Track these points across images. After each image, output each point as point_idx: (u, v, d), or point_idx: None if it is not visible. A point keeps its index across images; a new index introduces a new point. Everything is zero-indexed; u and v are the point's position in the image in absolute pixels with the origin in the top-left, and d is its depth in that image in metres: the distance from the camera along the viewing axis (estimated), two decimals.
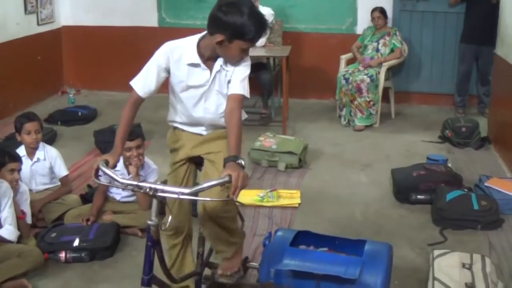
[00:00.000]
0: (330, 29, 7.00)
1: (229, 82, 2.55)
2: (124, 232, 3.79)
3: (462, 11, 6.51)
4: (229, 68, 2.54)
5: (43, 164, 4.06)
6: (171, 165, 2.81)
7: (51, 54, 7.36)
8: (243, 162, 2.25)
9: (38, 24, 7.00)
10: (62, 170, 4.11)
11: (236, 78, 2.53)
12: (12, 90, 6.44)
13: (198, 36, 2.55)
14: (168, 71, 2.57)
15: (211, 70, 2.54)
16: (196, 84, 2.57)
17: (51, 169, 4.09)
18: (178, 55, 2.54)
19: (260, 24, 2.43)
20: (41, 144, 4.07)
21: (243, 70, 2.55)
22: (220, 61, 2.54)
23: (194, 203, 2.91)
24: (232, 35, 2.39)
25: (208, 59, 2.54)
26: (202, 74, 2.56)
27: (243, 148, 2.45)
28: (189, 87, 2.59)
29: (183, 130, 2.75)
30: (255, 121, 6.07)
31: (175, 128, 2.78)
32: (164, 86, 2.64)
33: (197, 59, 2.52)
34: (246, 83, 2.55)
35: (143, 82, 2.55)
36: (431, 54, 6.88)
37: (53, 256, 3.49)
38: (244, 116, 2.77)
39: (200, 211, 2.65)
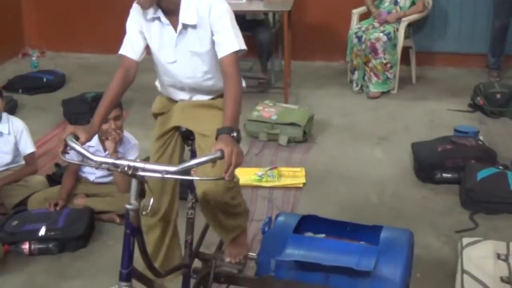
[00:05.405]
0: None
1: (213, 43, 2.52)
2: (99, 218, 3.81)
3: None
4: (200, 22, 2.48)
5: (7, 139, 4.00)
6: (156, 139, 2.79)
7: (8, 8, 7.29)
8: (238, 135, 2.24)
9: None
10: (28, 147, 4.07)
11: (219, 35, 2.50)
12: None
13: None
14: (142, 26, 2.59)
15: (175, 28, 2.54)
16: (164, 43, 2.58)
17: (16, 145, 4.04)
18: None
19: None
20: (5, 115, 4.02)
21: (222, 21, 2.49)
22: (181, 17, 2.51)
23: (183, 184, 2.91)
24: None
25: (170, 12, 2.52)
26: (168, 31, 2.55)
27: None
28: (159, 46, 2.60)
29: (169, 97, 2.77)
30: (252, 87, 6.05)
31: (162, 95, 2.82)
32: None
33: (158, 12, 2.53)
34: (232, 32, 2.49)
35: (130, 44, 2.58)
36: (460, 7, 6.82)
37: (14, 248, 3.50)
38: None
39: (200, 196, 2.65)
